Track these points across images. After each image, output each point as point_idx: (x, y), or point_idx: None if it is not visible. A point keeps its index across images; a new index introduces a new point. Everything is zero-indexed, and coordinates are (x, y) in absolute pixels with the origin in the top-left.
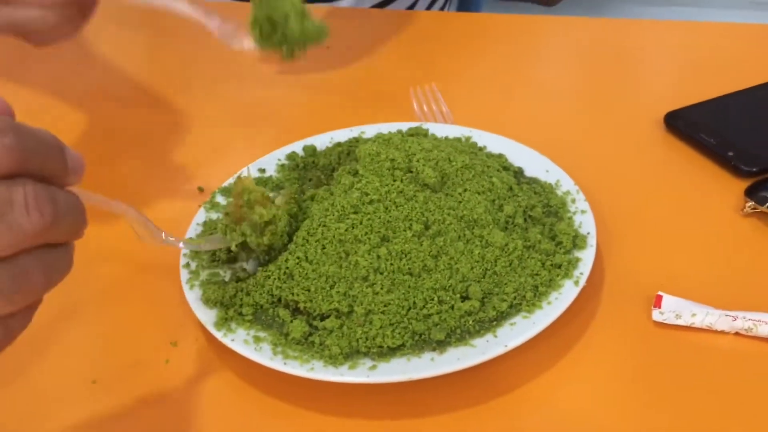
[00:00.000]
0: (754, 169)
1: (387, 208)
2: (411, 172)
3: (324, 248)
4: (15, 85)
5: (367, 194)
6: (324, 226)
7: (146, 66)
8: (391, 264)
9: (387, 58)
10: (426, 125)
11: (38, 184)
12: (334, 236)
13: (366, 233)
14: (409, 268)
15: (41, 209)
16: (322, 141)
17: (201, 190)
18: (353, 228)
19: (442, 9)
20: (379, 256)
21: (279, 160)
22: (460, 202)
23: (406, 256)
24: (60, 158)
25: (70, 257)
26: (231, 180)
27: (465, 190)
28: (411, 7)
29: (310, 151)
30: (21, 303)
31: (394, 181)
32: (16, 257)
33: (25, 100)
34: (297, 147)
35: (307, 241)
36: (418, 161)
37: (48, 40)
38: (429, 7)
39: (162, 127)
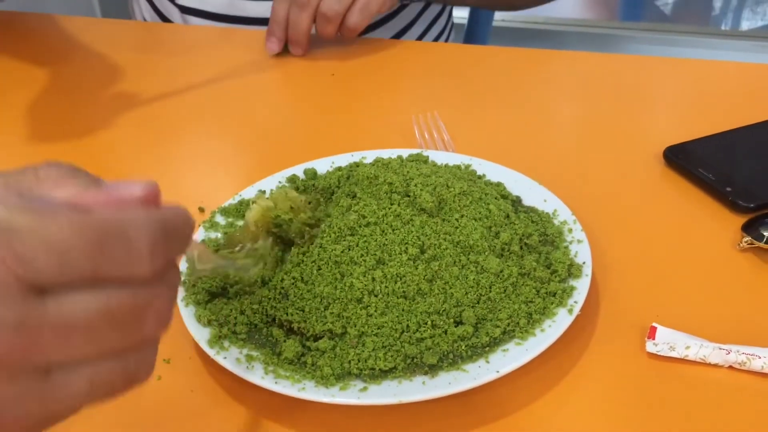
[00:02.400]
0: (752, 205)
1: (383, 231)
2: (408, 196)
3: (320, 269)
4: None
5: (364, 217)
6: (320, 247)
7: (148, 85)
8: (386, 287)
9: (390, 86)
10: (426, 152)
11: (173, 297)
12: (330, 257)
13: (362, 255)
14: (404, 292)
15: (166, 321)
16: (323, 165)
17: (202, 210)
18: (349, 250)
19: (446, 41)
20: (374, 279)
21: (280, 182)
22: (457, 227)
23: (401, 279)
24: (189, 238)
25: (156, 352)
26: (231, 201)
27: (462, 216)
28: (420, 38)
29: (311, 174)
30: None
31: (392, 204)
32: (129, 353)
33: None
34: (298, 170)
35: (303, 261)
36: (415, 186)
37: None
38: (437, 39)
39: (163, 146)
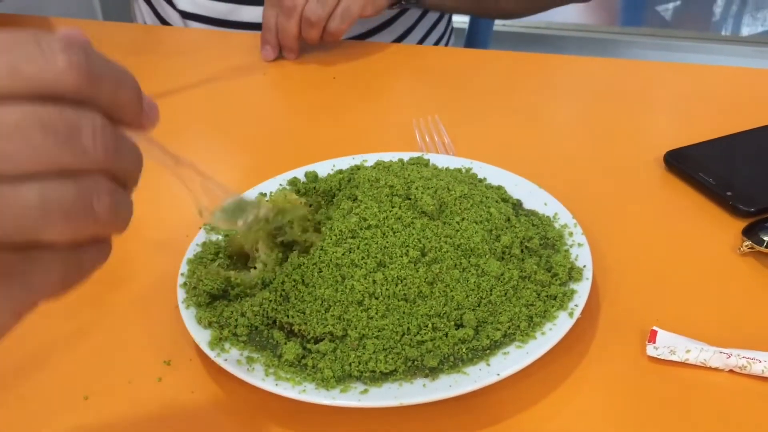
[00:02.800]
0: (752, 210)
1: (384, 234)
2: (409, 199)
3: (321, 271)
4: None
5: (365, 219)
6: (321, 249)
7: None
8: (387, 289)
9: (391, 90)
10: (427, 155)
11: (106, 119)
12: (331, 260)
13: (363, 258)
14: (405, 294)
15: (106, 142)
16: (324, 167)
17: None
18: (350, 252)
19: (446, 45)
20: (374, 281)
21: (281, 184)
22: (458, 230)
23: (401, 281)
24: (134, 95)
25: (131, 203)
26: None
27: (463, 219)
28: (420, 42)
29: (312, 177)
30: (86, 228)
31: (393, 207)
32: (81, 176)
33: None
34: (299, 173)
35: (304, 263)
36: (416, 189)
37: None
38: (437, 44)
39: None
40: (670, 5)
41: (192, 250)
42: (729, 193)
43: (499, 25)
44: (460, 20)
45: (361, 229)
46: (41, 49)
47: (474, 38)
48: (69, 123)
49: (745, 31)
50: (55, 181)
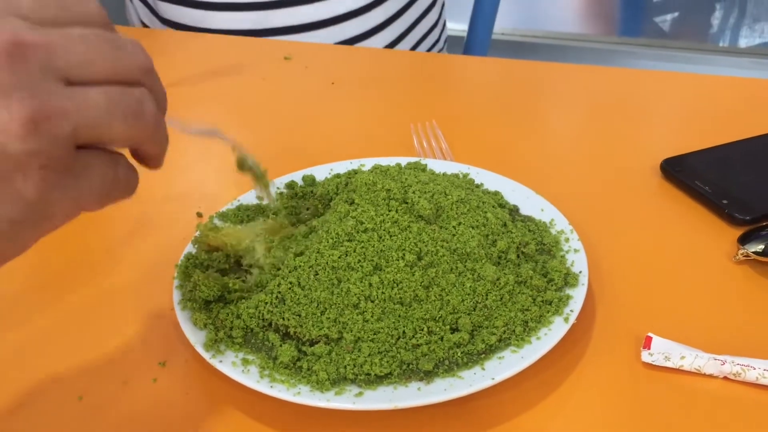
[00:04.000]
0: (748, 218)
1: (381, 237)
2: (406, 203)
3: (317, 274)
4: None
5: (361, 223)
6: (318, 252)
7: None
8: (383, 292)
9: (389, 95)
10: (425, 161)
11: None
12: (327, 263)
13: (359, 261)
14: (400, 298)
15: (149, 63)
16: (321, 171)
17: (200, 215)
18: (346, 255)
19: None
20: (370, 284)
21: (278, 188)
22: (454, 235)
23: (397, 285)
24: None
25: (165, 127)
26: (230, 206)
27: (459, 223)
28: (412, 49)
29: (310, 180)
30: (136, 131)
31: (389, 211)
32: (134, 86)
33: None
34: (296, 176)
35: (300, 266)
36: (413, 193)
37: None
38: (430, 51)
39: None
40: (669, 17)
41: (189, 248)
42: (725, 201)
43: (498, 33)
44: (458, 28)
45: (357, 232)
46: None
47: (471, 46)
48: (126, 43)
49: (743, 43)
50: (116, 87)
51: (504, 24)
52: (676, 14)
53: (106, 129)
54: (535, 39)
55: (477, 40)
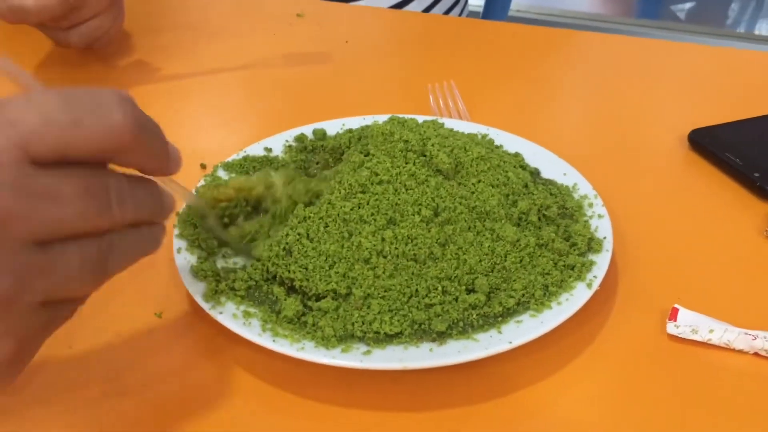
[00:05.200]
0: None
1: (396, 190)
2: (424, 155)
3: (327, 226)
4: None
5: (376, 174)
6: (329, 203)
7: (150, 38)
8: (396, 248)
9: (406, 55)
10: (442, 119)
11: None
12: (338, 214)
13: (372, 214)
14: (414, 254)
15: (128, 204)
16: (333, 126)
17: (203, 166)
18: (359, 207)
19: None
20: (383, 239)
21: (287, 141)
22: (473, 192)
23: (412, 241)
24: (164, 146)
25: (155, 237)
26: (235, 156)
27: (479, 181)
28: (426, 10)
29: (320, 134)
30: (103, 281)
31: (407, 163)
32: (105, 234)
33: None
34: (307, 129)
35: (310, 217)
36: (432, 146)
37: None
38: (447, 13)
39: (168, 102)
40: (686, 5)
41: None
42: (756, 174)
43: (514, 11)
44: (475, 3)
45: (372, 183)
46: (99, 102)
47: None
48: (109, 192)
49: (764, 29)
50: (92, 241)
51: (520, 1)
52: (693, 2)
53: (75, 291)
54: (552, 17)
55: (493, 17)
